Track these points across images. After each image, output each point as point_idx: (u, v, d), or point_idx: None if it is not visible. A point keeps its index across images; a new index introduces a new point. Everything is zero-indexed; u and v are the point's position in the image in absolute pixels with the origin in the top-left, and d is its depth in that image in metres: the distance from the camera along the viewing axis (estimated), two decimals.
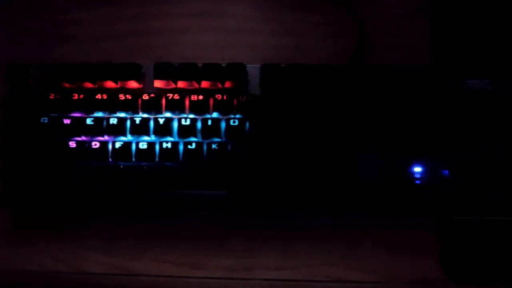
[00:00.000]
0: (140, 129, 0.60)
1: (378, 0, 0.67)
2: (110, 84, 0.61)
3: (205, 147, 0.60)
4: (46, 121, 0.61)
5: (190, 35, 0.67)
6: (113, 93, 0.61)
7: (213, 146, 0.59)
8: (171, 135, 0.60)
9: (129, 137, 0.61)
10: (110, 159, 0.60)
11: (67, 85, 0.62)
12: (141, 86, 0.62)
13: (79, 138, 0.61)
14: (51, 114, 0.61)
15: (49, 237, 0.64)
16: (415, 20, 0.66)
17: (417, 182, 0.59)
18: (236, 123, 0.60)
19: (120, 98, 0.61)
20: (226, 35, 0.67)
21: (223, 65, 0.61)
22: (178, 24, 0.67)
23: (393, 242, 0.63)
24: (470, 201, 0.59)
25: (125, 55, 0.66)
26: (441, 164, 0.59)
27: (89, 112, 0.61)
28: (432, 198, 0.59)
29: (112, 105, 0.61)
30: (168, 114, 0.61)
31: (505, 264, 0.61)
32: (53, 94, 0.61)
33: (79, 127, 0.61)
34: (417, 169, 0.59)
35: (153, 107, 0.60)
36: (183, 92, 0.61)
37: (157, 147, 0.60)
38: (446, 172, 0.59)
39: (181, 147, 0.60)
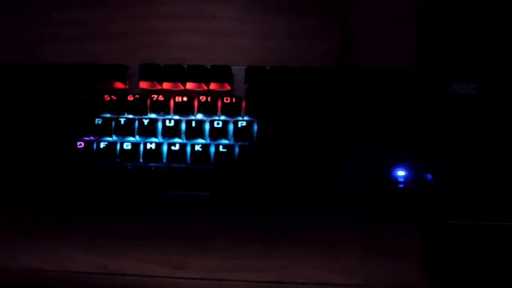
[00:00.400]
0: (125, 130, 0.60)
1: (364, 3, 0.67)
2: (97, 84, 0.62)
3: (188, 148, 0.60)
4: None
5: (176, 37, 0.68)
6: (99, 93, 0.61)
7: (197, 147, 0.60)
8: (155, 135, 0.61)
9: (114, 138, 0.61)
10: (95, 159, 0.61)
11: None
12: (127, 87, 0.62)
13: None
14: None
15: (34, 235, 0.65)
16: (401, 23, 0.66)
17: (400, 186, 0.59)
18: (220, 125, 0.60)
19: (106, 99, 0.61)
20: (212, 37, 0.67)
21: (208, 66, 0.61)
22: (164, 26, 0.68)
23: (376, 245, 0.63)
24: (453, 205, 0.59)
25: (111, 56, 0.67)
26: (424, 168, 0.60)
27: None
28: (415, 202, 0.59)
29: (98, 106, 0.61)
30: (153, 115, 0.61)
31: (488, 268, 0.61)
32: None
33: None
34: (401, 173, 0.59)
35: (138, 108, 0.61)
36: (168, 93, 0.61)
37: (141, 147, 0.60)
38: (429, 176, 0.59)
39: (165, 147, 0.60)
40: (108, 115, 0.61)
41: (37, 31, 0.68)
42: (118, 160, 0.60)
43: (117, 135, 0.61)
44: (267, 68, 0.61)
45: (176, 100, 0.60)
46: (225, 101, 0.60)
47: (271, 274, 0.63)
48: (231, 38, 0.67)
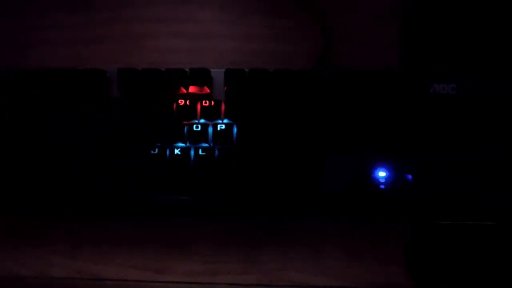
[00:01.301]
0: None
1: (344, 5, 0.67)
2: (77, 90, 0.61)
3: (167, 151, 0.60)
4: None
5: (157, 40, 0.67)
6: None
7: (176, 151, 0.59)
8: None
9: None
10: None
11: None
12: None
13: None
14: None
15: (10, 240, 0.64)
16: (382, 24, 0.66)
17: (382, 187, 0.59)
18: (199, 129, 0.59)
19: None
20: (192, 39, 0.67)
21: (187, 70, 0.60)
22: (145, 29, 0.67)
23: (359, 247, 0.63)
24: (434, 206, 0.59)
25: (91, 61, 0.66)
26: (405, 168, 0.59)
27: None
28: (397, 203, 0.59)
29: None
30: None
31: (471, 268, 0.61)
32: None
33: None
34: (382, 174, 0.59)
35: None
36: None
37: None
38: (409, 176, 0.59)
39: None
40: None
41: (16, 36, 0.68)
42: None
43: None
44: (246, 70, 0.60)
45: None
46: (204, 104, 0.60)
47: (254, 277, 0.63)
48: (211, 40, 0.67)
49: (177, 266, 0.63)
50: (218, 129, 0.60)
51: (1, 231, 0.64)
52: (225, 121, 0.60)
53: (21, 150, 0.60)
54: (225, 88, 0.60)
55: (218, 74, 0.61)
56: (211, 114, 0.60)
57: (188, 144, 0.60)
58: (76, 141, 0.60)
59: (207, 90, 0.61)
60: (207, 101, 0.60)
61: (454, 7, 0.65)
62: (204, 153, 0.59)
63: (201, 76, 0.60)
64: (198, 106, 0.60)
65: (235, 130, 0.60)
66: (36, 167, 0.59)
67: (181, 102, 0.60)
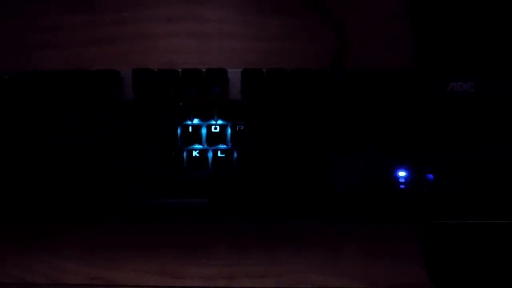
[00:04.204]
0: None
1: (358, 4, 0.67)
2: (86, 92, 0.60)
3: (185, 154, 0.59)
4: None
5: (168, 40, 0.66)
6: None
7: (194, 153, 0.58)
8: None
9: None
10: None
11: None
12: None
13: None
14: None
15: (23, 247, 0.63)
16: (396, 23, 0.66)
17: (402, 186, 0.59)
18: (218, 130, 0.58)
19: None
20: (205, 40, 0.66)
21: (203, 70, 0.59)
22: (156, 29, 0.66)
23: (378, 247, 0.62)
24: (455, 205, 0.59)
25: (103, 62, 0.65)
26: (426, 168, 0.59)
27: None
28: (417, 202, 0.59)
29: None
30: None
31: (489, 268, 0.61)
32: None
33: None
34: (402, 174, 0.59)
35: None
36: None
37: None
38: (431, 176, 0.58)
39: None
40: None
41: (24, 38, 0.67)
42: None
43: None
44: (264, 70, 0.59)
45: None
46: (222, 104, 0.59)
47: (272, 280, 0.62)
48: (224, 40, 0.66)
49: (194, 270, 0.62)
50: (237, 129, 0.58)
51: (12, 238, 0.63)
52: (243, 122, 0.59)
53: (33, 152, 0.59)
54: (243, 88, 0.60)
55: (234, 74, 0.60)
56: (229, 115, 0.59)
57: (206, 146, 0.59)
58: (88, 142, 0.59)
59: (223, 90, 0.60)
60: (225, 101, 0.59)
61: (466, 4, 0.65)
62: (223, 155, 0.58)
63: (218, 76, 0.59)
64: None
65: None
66: (54, 170, 0.58)
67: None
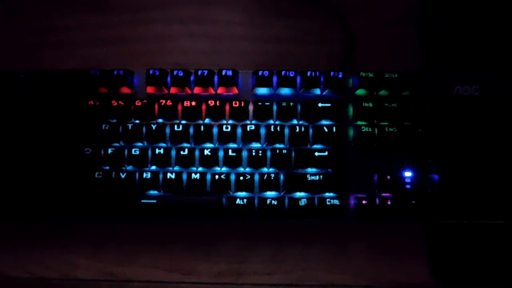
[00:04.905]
0: (133, 136, 0.60)
1: (365, 6, 0.68)
2: (102, 90, 0.61)
3: (197, 153, 0.60)
4: None
5: (179, 41, 0.68)
6: (105, 99, 0.61)
7: (206, 152, 0.60)
8: (163, 141, 0.60)
9: (121, 144, 0.61)
10: (102, 166, 0.60)
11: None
12: (132, 92, 0.62)
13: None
14: None
15: (36, 242, 0.64)
16: (403, 25, 0.68)
17: (408, 186, 0.60)
18: (229, 129, 0.60)
19: (113, 104, 0.60)
20: (215, 41, 0.68)
21: (215, 71, 0.61)
22: (167, 30, 0.68)
23: (382, 246, 0.64)
24: (460, 206, 0.60)
25: (113, 62, 0.66)
26: (431, 169, 0.61)
27: None
28: (422, 202, 0.60)
29: (104, 112, 0.61)
30: (160, 120, 0.61)
31: (493, 267, 0.62)
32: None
33: None
34: (408, 174, 0.60)
35: (145, 113, 0.61)
36: (176, 98, 0.61)
37: (150, 153, 0.60)
38: (436, 176, 0.60)
39: (173, 153, 0.60)
40: (115, 121, 0.61)
41: (38, 37, 0.67)
42: (126, 165, 0.60)
43: (124, 141, 0.60)
44: (274, 71, 0.61)
45: (185, 104, 0.60)
46: (234, 105, 0.60)
47: (280, 277, 0.63)
48: (234, 42, 0.67)
49: (203, 267, 0.63)
50: (248, 129, 0.60)
51: (25, 233, 0.64)
52: (254, 121, 0.61)
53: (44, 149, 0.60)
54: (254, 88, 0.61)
55: (244, 75, 0.62)
56: (240, 115, 0.60)
57: (217, 145, 0.60)
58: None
59: (235, 90, 0.61)
60: (237, 102, 0.60)
61: (472, 6, 0.66)
62: (234, 154, 0.60)
63: (230, 77, 0.61)
64: (227, 107, 0.61)
65: (263, 130, 0.60)
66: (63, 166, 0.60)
67: (211, 103, 0.60)
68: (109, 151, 0.60)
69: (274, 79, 0.61)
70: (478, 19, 0.67)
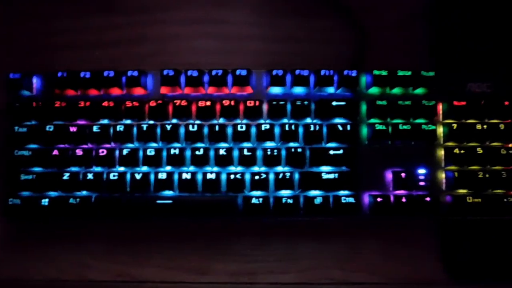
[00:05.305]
0: (147, 136, 0.60)
1: (376, 5, 0.68)
2: (115, 91, 0.61)
3: (212, 152, 0.60)
4: (51, 129, 0.60)
5: (191, 42, 0.68)
6: (118, 100, 0.61)
7: (221, 151, 0.60)
8: (178, 141, 0.60)
9: (136, 144, 0.61)
10: (117, 166, 0.60)
11: (72, 92, 0.61)
12: (146, 92, 0.62)
13: (85, 146, 0.61)
14: (55, 122, 0.61)
15: (50, 244, 0.64)
16: (414, 24, 0.68)
17: (422, 183, 0.60)
18: (244, 129, 0.60)
19: (127, 105, 0.60)
20: (226, 41, 0.68)
21: (229, 70, 0.61)
22: (179, 31, 0.68)
23: (396, 243, 0.64)
24: (473, 202, 0.60)
25: (126, 62, 0.66)
26: (444, 166, 0.61)
27: (95, 119, 0.61)
28: (436, 199, 0.60)
29: (118, 112, 0.61)
30: (174, 120, 0.61)
31: (506, 263, 0.63)
32: (58, 102, 0.61)
33: (85, 134, 0.61)
34: (421, 171, 0.61)
35: (160, 113, 0.60)
36: (190, 98, 0.61)
37: (165, 153, 0.60)
38: (451, 174, 0.60)
39: (188, 153, 0.60)
40: (129, 122, 0.61)
41: (50, 39, 0.67)
42: (140, 166, 0.60)
43: (139, 141, 0.60)
44: (288, 70, 0.61)
45: (199, 104, 0.60)
46: (248, 104, 0.60)
47: (294, 275, 0.64)
48: (245, 42, 0.68)
49: (218, 266, 0.64)
50: (262, 129, 0.60)
51: (39, 235, 0.64)
52: (268, 121, 0.61)
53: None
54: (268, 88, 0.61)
55: (258, 74, 0.62)
56: (255, 114, 0.61)
57: (231, 144, 0.60)
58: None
59: (250, 90, 0.61)
60: (252, 101, 0.60)
61: (483, 5, 0.67)
62: (249, 153, 0.60)
63: (245, 77, 0.61)
64: (241, 107, 0.61)
65: (277, 130, 0.61)
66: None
67: (226, 102, 0.60)
68: (124, 152, 0.60)
69: (288, 78, 0.61)
70: (488, 17, 0.67)
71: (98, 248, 0.64)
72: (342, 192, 0.61)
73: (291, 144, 0.61)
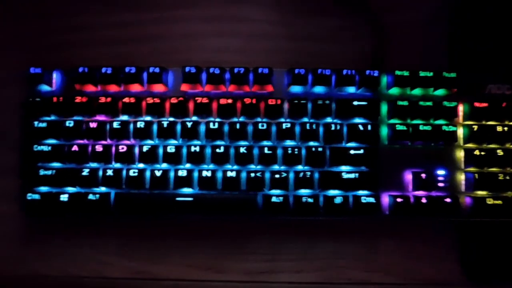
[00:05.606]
0: (167, 133, 0.60)
1: (397, 5, 0.68)
2: (136, 87, 0.61)
3: (232, 150, 0.60)
4: (71, 125, 0.60)
5: (210, 39, 0.67)
6: (139, 96, 0.61)
7: (242, 149, 0.60)
8: (198, 138, 0.60)
9: (156, 141, 0.60)
10: (137, 163, 0.60)
11: (92, 88, 0.61)
12: (167, 89, 0.61)
13: (105, 142, 0.60)
14: (75, 118, 0.61)
15: (68, 240, 0.64)
16: (433, 24, 0.68)
17: (441, 184, 0.60)
18: (264, 127, 0.60)
19: (148, 102, 0.60)
20: (247, 39, 0.67)
21: (251, 69, 0.61)
22: (199, 28, 0.67)
23: (414, 243, 0.64)
24: (494, 204, 0.60)
25: (146, 59, 0.66)
26: (464, 167, 0.61)
27: (115, 115, 0.61)
28: (456, 200, 0.60)
29: (139, 109, 0.61)
30: (194, 118, 0.61)
31: None
32: (79, 97, 0.60)
33: (105, 130, 0.61)
34: (441, 172, 0.61)
35: (181, 110, 0.60)
36: (211, 96, 0.61)
37: (185, 150, 0.60)
38: (471, 175, 0.60)
39: (208, 150, 0.60)
40: (150, 118, 0.60)
41: (70, 35, 0.67)
42: (161, 163, 0.60)
43: (159, 138, 0.60)
44: (310, 70, 0.61)
45: (221, 102, 0.60)
46: (270, 103, 0.60)
47: (311, 275, 0.64)
48: (264, 40, 0.67)
49: (235, 265, 0.63)
50: (283, 127, 0.60)
51: (56, 232, 0.64)
52: (289, 120, 0.61)
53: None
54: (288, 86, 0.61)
55: (278, 73, 0.62)
56: (276, 113, 0.61)
57: (252, 143, 0.60)
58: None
59: (271, 88, 0.61)
60: (273, 100, 0.60)
61: (502, 7, 0.67)
62: (270, 152, 0.60)
63: (266, 75, 0.61)
64: (262, 105, 0.61)
65: (298, 128, 0.61)
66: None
67: (247, 100, 0.60)
68: (144, 148, 0.60)
69: (309, 77, 0.61)
70: (510, 18, 0.67)
71: (116, 245, 0.64)
72: (361, 192, 0.60)
73: (311, 143, 0.61)
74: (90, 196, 0.60)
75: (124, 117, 0.61)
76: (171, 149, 0.60)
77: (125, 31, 0.67)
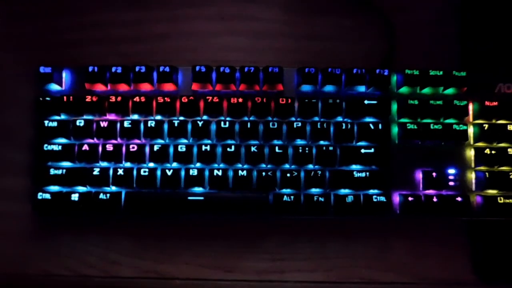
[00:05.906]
0: (178, 132, 0.60)
1: (407, 4, 0.68)
2: (146, 86, 0.61)
3: (243, 149, 0.60)
4: (81, 124, 0.60)
5: (219, 38, 0.67)
6: (149, 95, 0.61)
7: (253, 149, 0.60)
8: (209, 137, 0.60)
9: (167, 140, 0.60)
10: (147, 162, 0.60)
11: (102, 87, 0.61)
12: (176, 88, 0.61)
13: (115, 141, 0.60)
14: (85, 117, 0.61)
15: (78, 239, 0.64)
16: (443, 23, 0.68)
17: (452, 183, 0.60)
18: (275, 126, 0.60)
19: (159, 101, 0.60)
20: (255, 38, 0.67)
21: (261, 68, 0.61)
22: (209, 27, 0.67)
23: (424, 243, 0.64)
24: (505, 203, 0.60)
25: (154, 58, 0.66)
26: (475, 166, 0.61)
27: (125, 114, 0.61)
28: (466, 199, 0.60)
29: (149, 108, 0.61)
30: (205, 117, 0.61)
31: None
32: (89, 96, 0.60)
33: (115, 130, 0.61)
34: (451, 171, 0.61)
35: (191, 110, 0.60)
36: (221, 95, 0.61)
37: (195, 149, 0.60)
38: (482, 174, 0.60)
39: (219, 149, 0.60)
40: (160, 117, 0.60)
41: (79, 33, 0.67)
42: (171, 162, 0.60)
43: (170, 137, 0.60)
44: (320, 69, 0.61)
45: (231, 101, 0.60)
46: (280, 102, 0.60)
47: (322, 274, 0.63)
48: (273, 39, 0.67)
49: (246, 264, 0.63)
50: (294, 126, 0.60)
51: (66, 231, 0.64)
52: (299, 119, 0.61)
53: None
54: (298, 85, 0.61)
55: (288, 72, 0.62)
56: (286, 112, 0.60)
57: (262, 142, 0.60)
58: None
59: (281, 87, 0.61)
60: (284, 99, 0.60)
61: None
62: (280, 151, 0.60)
63: (276, 74, 0.61)
64: (272, 104, 0.60)
65: (308, 127, 0.60)
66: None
67: (258, 99, 0.60)
68: (155, 148, 0.60)
69: (319, 76, 0.61)
70: None
71: (127, 244, 0.64)
72: (372, 191, 0.60)
73: (322, 142, 0.61)
74: (101, 196, 0.60)
75: (135, 116, 0.61)
76: (182, 148, 0.60)
77: (134, 30, 0.67)
